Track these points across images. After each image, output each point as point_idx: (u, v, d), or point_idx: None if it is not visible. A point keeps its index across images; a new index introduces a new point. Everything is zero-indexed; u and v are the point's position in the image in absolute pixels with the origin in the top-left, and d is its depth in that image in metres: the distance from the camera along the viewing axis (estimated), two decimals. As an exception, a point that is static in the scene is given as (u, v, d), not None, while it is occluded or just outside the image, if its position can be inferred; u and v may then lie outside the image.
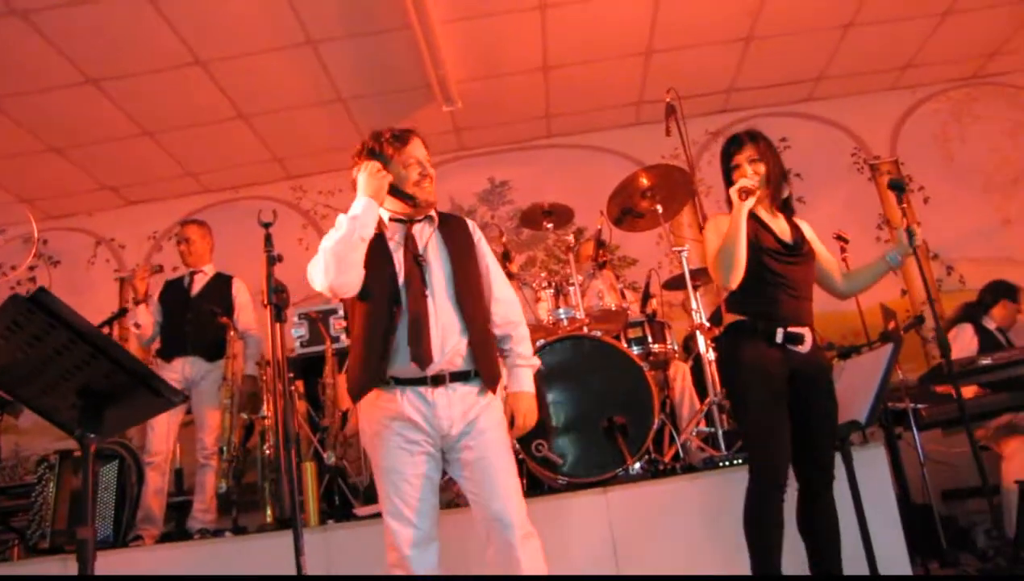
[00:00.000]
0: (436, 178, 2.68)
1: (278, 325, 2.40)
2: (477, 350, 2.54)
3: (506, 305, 2.73)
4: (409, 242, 2.58)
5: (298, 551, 2.25)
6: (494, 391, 2.59)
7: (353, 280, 2.49)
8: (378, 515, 3.77)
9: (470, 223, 2.78)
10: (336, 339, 4.55)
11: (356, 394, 2.57)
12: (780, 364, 2.79)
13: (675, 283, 4.80)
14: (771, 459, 2.75)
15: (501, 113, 5.97)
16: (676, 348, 4.58)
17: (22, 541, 4.34)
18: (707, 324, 4.34)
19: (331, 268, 2.46)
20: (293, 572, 3.44)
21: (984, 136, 6.20)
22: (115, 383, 1.96)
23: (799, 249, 2.93)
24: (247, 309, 4.77)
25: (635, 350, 4.37)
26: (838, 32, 5.52)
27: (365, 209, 2.49)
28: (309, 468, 3.90)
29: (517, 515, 2.46)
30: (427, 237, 2.62)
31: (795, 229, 2.99)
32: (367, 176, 2.54)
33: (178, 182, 6.22)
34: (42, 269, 6.37)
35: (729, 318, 2.92)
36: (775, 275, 2.85)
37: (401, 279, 2.53)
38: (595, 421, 3.83)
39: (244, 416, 4.37)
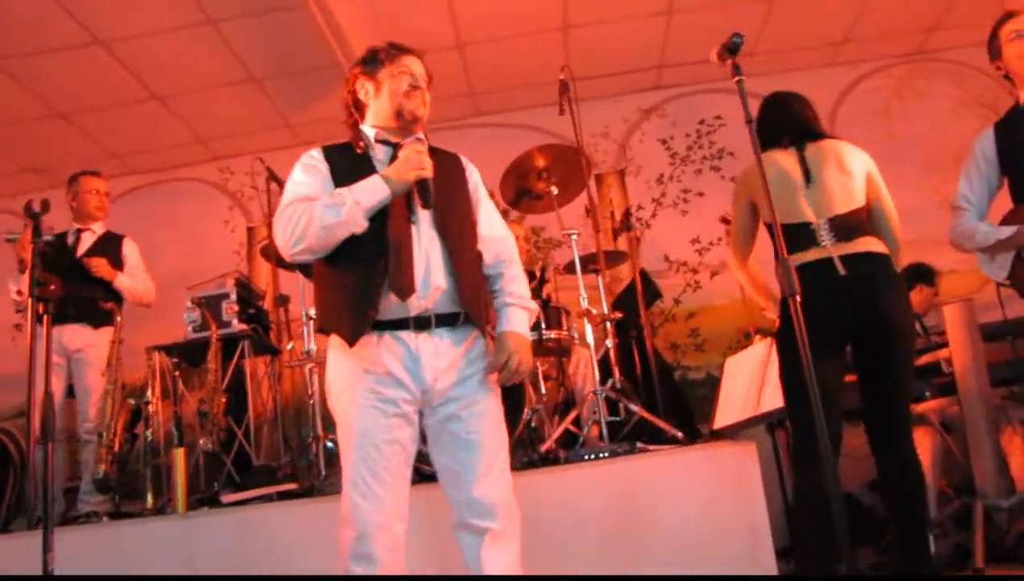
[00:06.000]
0: (431, 101, 2.43)
1: (45, 317, 2.35)
2: (464, 289, 2.27)
3: (497, 242, 2.47)
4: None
5: (45, 548, 2.19)
6: (486, 340, 2.34)
7: (320, 255, 2.27)
8: (245, 502, 3.79)
9: (463, 159, 2.55)
10: (226, 324, 4.50)
11: (350, 338, 2.21)
12: None
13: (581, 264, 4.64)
14: None
15: (422, 91, 5.85)
16: (576, 335, 4.44)
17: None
18: (593, 310, 4.24)
19: (304, 242, 2.20)
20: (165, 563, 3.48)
21: (927, 114, 5.99)
22: None
23: None
24: (140, 271, 4.66)
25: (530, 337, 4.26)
26: (764, 5, 5.33)
27: (374, 201, 2.21)
28: (179, 454, 3.85)
29: (507, 502, 2.25)
30: None
31: None
32: (404, 156, 2.26)
33: (102, 164, 6.06)
34: (-34, 252, 6.35)
35: None
36: None
37: (388, 204, 2.24)
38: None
39: (132, 401, 4.34)
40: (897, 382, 2.74)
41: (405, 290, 2.18)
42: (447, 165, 2.45)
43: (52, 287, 2.41)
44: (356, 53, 5.01)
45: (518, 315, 2.39)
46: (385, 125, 2.41)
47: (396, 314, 2.20)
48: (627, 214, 4.50)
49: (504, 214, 4.90)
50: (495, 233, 2.48)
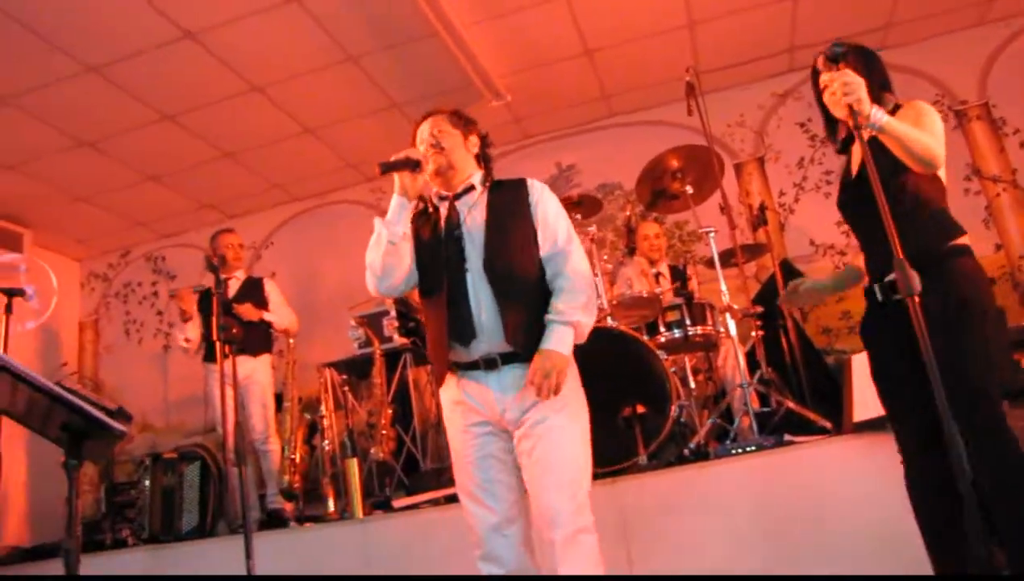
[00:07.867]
0: (451, 149, 2.56)
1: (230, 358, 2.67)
2: (510, 327, 2.39)
3: (552, 258, 2.51)
4: (451, 217, 2.53)
5: (248, 554, 2.51)
6: None
7: (395, 283, 2.53)
8: (415, 506, 4.09)
9: (530, 183, 2.60)
10: (388, 339, 4.84)
11: (436, 381, 2.59)
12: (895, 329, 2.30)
13: (722, 259, 4.64)
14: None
15: (556, 99, 6.02)
16: (721, 329, 4.46)
17: (132, 532, 4.95)
18: (736, 306, 4.26)
19: (370, 275, 2.55)
20: (347, 564, 3.82)
21: (1094, 67, 5.55)
22: (84, 421, 2.29)
23: (865, 178, 2.17)
24: (281, 307, 5.16)
25: (675, 334, 4.34)
26: (897, -28, 5.15)
27: (393, 210, 2.50)
28: (352, 464, 4.21)
29: (567, 512, 2.32)
30: (470, 209, 2.55)
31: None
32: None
33: (267, 195, 6.73)
34: (162, 284, 7.08)
35: None
36: (853, 222, 2.64)
37: (443, 258, 2.48)
38: (614, 412, 3.89)
39: (308, 416, 4.76)
40: None
41: (464, 340, 2.42)
42: (505, 195, 2.58)
43: (235, 331, 2.73)
44: (489, 71, 5.32)
45: (556, 332, 2.40)
46: (438, 188, 2.64)
47: (465, 358, 2.45)
48: (762, 208, 4.47)
49: (641, 215, 5.02)
50: (552, 250, 2.52)
